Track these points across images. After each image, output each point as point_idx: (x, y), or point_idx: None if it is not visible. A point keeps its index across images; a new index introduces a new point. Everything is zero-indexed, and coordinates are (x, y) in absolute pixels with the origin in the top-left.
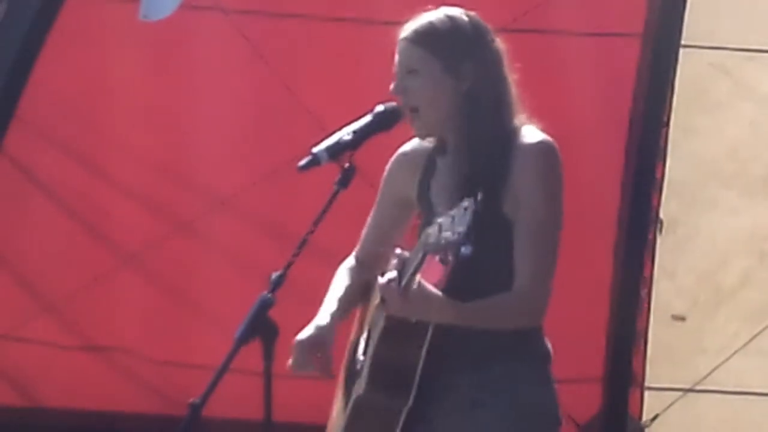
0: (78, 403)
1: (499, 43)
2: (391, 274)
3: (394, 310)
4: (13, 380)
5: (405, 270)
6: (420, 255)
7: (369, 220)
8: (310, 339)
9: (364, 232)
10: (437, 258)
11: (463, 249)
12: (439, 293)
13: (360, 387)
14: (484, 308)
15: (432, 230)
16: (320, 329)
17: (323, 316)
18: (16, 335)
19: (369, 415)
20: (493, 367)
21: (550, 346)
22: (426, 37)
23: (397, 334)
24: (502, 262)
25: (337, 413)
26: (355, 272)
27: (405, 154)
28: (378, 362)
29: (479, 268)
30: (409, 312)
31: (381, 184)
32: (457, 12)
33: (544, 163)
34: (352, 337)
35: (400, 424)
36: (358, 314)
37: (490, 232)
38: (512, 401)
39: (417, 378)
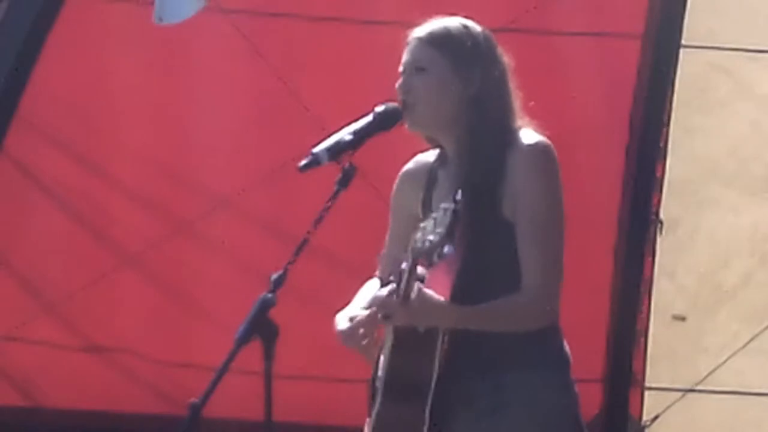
0: (78, 403)
1: (507, 58)
2: (390, 286)
3: (399, 321)
4: (13, 380)
5: (401, 280)
6: (410, 261)
7: (386, 240)
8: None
9: (382, 252)
10: (425, 262)
11: (445, 249)
12: (440, 298)
13: (378, 402)
14: (491, 310)
15: (417, 235)
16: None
17: (352, 308)
18: (16, 335)
19: (391, 429)
20: (509, 374)
21: (568, 349)
22: (440, 38)
23: (407, 347)
24: (507, 265)
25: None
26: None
27: (407, 173)
28: (392, 376)
29: (484, 273)
30: (413, 319)
31: (390, 204)
32: (472, 23)
33: (541, 162)
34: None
35: None
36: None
37: (491, 236)
38: (532, 408)
39: (432, 389)
